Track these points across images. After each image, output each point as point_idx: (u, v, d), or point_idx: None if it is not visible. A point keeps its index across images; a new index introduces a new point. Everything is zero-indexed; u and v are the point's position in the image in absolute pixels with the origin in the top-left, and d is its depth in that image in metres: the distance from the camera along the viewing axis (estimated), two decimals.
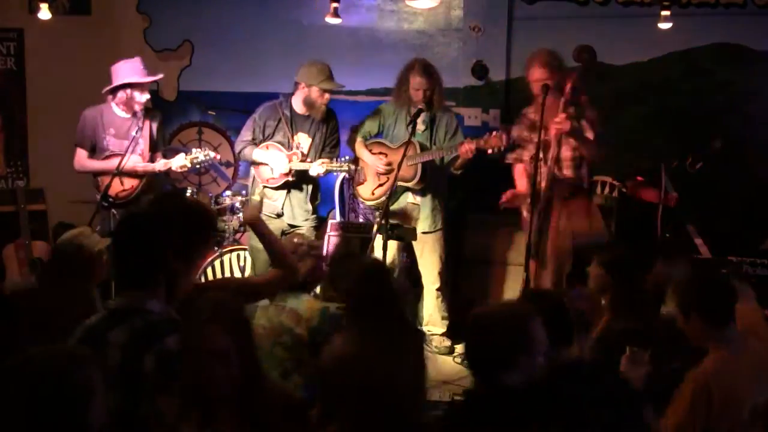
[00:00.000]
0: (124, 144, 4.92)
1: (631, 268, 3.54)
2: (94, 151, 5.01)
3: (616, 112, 5.74)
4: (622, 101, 5.81)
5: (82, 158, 5.03)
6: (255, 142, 5.08)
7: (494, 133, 4.75)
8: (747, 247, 4.87)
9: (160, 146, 5.16)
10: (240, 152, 5.16)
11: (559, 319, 2.77)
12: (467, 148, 4.79)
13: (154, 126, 5.07)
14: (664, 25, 5.19)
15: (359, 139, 5.22)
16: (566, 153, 4.64)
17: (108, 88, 4.93)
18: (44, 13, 5.46)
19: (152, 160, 5.05)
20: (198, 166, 5.20)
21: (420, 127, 5.06)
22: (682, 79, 5.77)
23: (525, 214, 4.74)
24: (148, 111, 5.02)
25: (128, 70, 4.91)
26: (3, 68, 6.19)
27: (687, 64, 5.74)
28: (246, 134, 5.13)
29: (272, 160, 5.02)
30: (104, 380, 1.98)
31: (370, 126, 5.24)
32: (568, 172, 4.65)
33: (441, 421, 2.41)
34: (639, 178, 5.17)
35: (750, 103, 5.64)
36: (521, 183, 4.90)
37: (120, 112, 4.98)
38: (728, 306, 2.88)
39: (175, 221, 2.71)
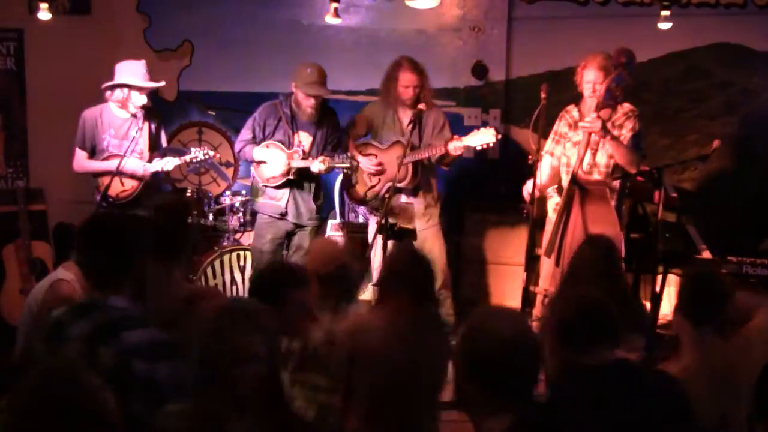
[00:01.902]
0: (123, 144, 4.92)
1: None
2: (94, 152, 5.02)
3: None
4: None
5: (81, 159, 5.03)
6: (255, 141, 5.08)
7: (482, 129, 4.72)
8: (747, 247, 4.87)
9: (160, 146, 5.17)
10: (240, 151, 5.15)
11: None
12: (456, 146, 4.78)
13: (153, 126, 5.08)
14: (664, 25, 5.19)
15: (351, 142, 5.19)
16: (601, 158, 4.57)
17: (108, 84, 4.94)
18: (44, 13, 5.46)
19: (152, 160, 5.06)
20: (198, 166, 5.20)
21: (406, 125, 5.04)
22: (682, 79, 5.78)
23: (550, 214, 4.69)
24: (149, 111, 5.03)
25: (130, 72, 4.92)
26: (3, 68, 6.19)
27: (687, 64, 5.74)
28: (246, 133, 5.13)
29: (271, 160, 5.01)
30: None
31: (359, 127, 5.21)
32: (599, 177, 4.58)
33: None
34: (639, 179, 5.16)
35: (750, 103, 5.65)
36: (543, 176, 4.84)
37: (119, 112, 4.98)
38: (707, 306, 2.84)
39: (146, 223, 2.71)
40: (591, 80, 4.56)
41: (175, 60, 6.43)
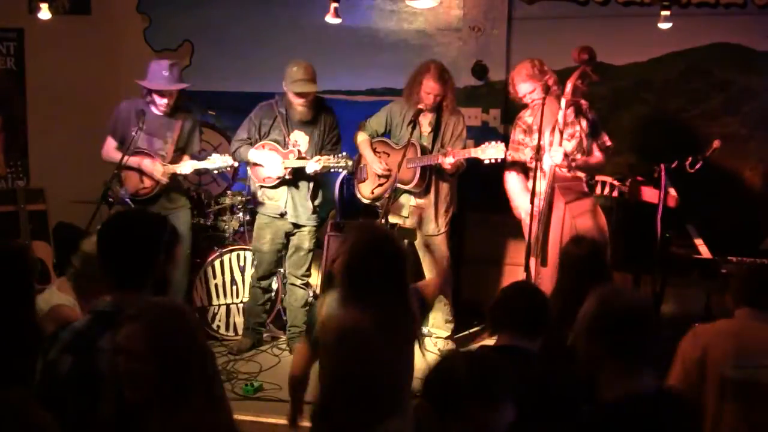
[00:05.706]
0: (152, 140, 4.95)
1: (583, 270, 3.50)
2: (123, 143, 5.02)
3: (616, 112, 5.74)
4: (621, 101, 5.81)
5: (110, 148, 5.06)
6: (250, 141, 5.07)
7: (492, 143, 4.71)
8: (747, 247, 4.87)
9: (189, 148, 5.15)
10: (235, 152, 5.12)
11: None
12: (456, 157, 4.77)
13: (187, 126, 5.08)
14: (664, 25, 5.19)
15: (365, 137, 5.19)
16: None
17: (141, 83, 4.99)
18: (44, 13, 5.46)
19: (177, 160, 5.05)
20: (216, 171, 5.17)
21: (425, 129, 5.04)
22: (682, 79, 5.77)
23: (524, 217, 4.73)
24: (184, 113, 5.04)
25: (151, 73, 4.96)
26: (3, 68, 6.19)
27: (687, 64, 5.74)
28: (241, 133, 5.12)
29: (267, 162, 5.00)
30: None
31: (377, 124, 5.20)
32: (573, 173, 4.65)
33: None
34: (639, 178, 5.16)
35: (750, 103, 5.64)
36: (513, 190, 4.89)
37: (155, 109, 5.00)
38: None
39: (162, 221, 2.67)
40: (525, 92, 4.66)
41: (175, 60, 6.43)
